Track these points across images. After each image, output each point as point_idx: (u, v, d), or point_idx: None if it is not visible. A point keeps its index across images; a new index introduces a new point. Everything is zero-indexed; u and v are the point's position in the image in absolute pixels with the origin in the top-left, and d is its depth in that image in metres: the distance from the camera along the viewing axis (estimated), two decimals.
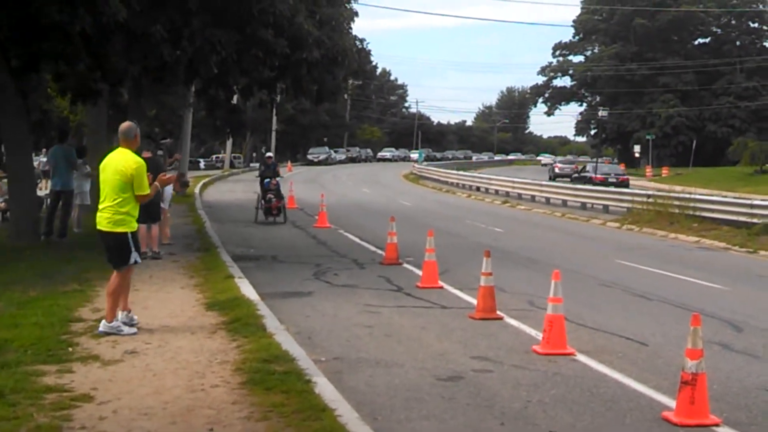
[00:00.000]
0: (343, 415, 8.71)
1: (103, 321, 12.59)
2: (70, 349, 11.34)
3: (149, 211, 21.27)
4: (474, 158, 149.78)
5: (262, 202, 33.44)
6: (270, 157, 35.25)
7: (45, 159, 43.67)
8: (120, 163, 12.61)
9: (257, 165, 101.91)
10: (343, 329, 13.99)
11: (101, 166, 12.92)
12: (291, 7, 23.39)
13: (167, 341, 12.01)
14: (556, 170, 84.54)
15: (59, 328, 12.49)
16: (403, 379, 10.96)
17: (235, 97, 33.06)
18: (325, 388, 9.70)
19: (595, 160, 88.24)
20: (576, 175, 74.42)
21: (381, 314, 15.38)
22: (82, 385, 9.72)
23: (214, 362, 10.84)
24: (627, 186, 60.03)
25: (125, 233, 12.65)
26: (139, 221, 21.24)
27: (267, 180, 33.11)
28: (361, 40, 31.35)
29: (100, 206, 12.71)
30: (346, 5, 28.93)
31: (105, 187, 12.68)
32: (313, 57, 25.05)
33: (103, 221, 12.64)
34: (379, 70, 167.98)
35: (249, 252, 23.98)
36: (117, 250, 12.70)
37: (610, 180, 64.28)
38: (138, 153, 12.77)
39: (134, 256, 12.65)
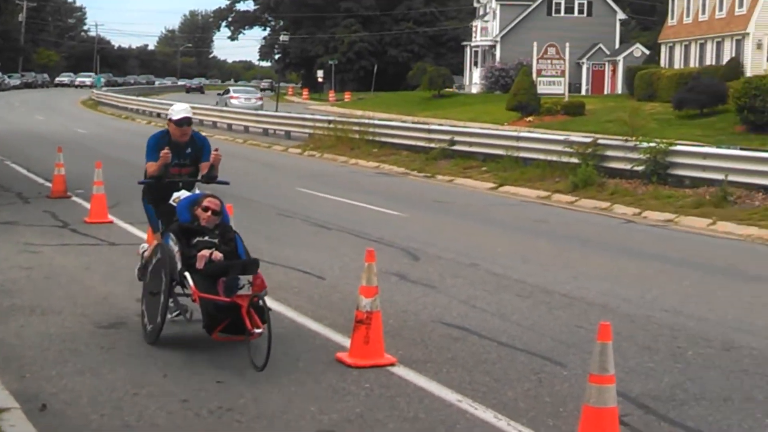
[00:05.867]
0: None
1: None
2: None
3: None
4: (157, 83, 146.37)
5: (186, 279, 9.20)
6: (186, 121, 10.36)
7: None
8: None
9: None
10: None
11: None
12: None
13: None
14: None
15: None
16: (59, 328, 9.99)
17: None
18: None
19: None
20: None
21: (42, 254, 14.20)
22: None
23: None
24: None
25: None
26: None
27: (187, 197, 10.10)
28: None
29: None
30: None
31: None
32: None
33: None
34: None
35: None
36: None
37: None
38: None
39: None
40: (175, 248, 9.38)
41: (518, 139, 28.88)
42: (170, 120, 10.44)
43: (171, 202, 10.05)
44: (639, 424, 7.58)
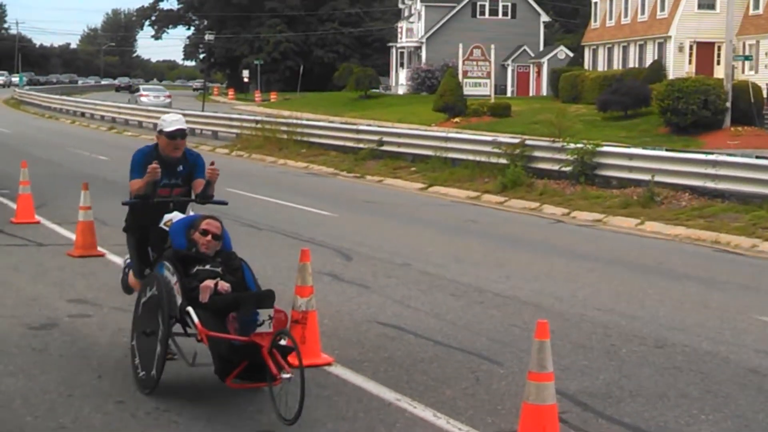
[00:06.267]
0: None
1: None
2: None
3: None
4: (80, 82, 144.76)
5: (189, 315, 7.79)
6: (180, 134, 8.82)
7: None
8: None
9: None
10: None
11: None
12: None
13: None
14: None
15: None
16: None
17: None
18: None
19: None
20: None
21: None
22: None
23: None
24: None
25: None
26: None
27: (180, 219, 8.63)
28: None
29: None
30: None
31: None
32: None
33: None
34: None
35: None
36: None
37: None
38: None
39: None
40: (173, 279, 7.96)
41: (447, 139, 28.99)
42: (161, 132, 8.81)
43: (162, 225, 8.62)
44: (577, 421, 7.64)
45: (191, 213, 8.88)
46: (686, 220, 19.24)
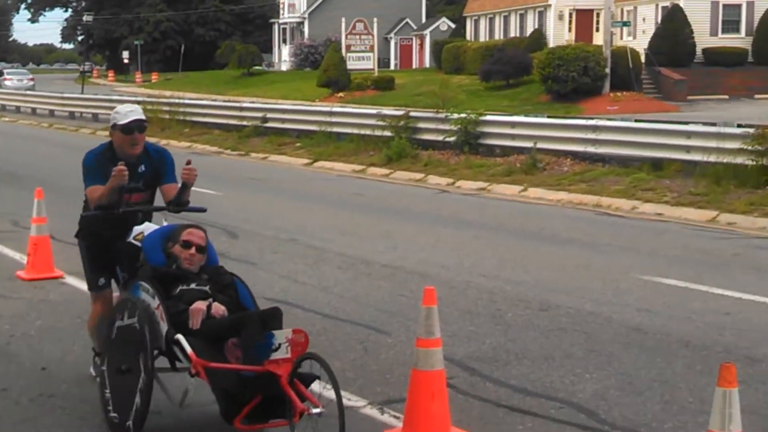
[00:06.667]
0: None
1: None
2: None
3: None
4: None
5: (180, 344, 6.34)
6: (138, 126, 7.27)
7: None
8: None
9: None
10: None
11: None
12: None
13: None
14: None
15: None
16: None
17: None
18: None
19: None
20: None
21: None
22: None
23: None
24: None
25: None
26: None
27: (155, 231, 7.20)
28: None
29: None
30: None
31: None
32: None
33: None
34: None
35: None
36: None
37: None
38: None
39: None
40: (153, 302, 6.59)
41: (331, 114, 28.97)
42: (114, 126, 7.26)
43: (132, 239, 7.17)
44: (465, 385, 7.72)
45: (165, 223, 7.39)
46: (568, 185, 19.56)
